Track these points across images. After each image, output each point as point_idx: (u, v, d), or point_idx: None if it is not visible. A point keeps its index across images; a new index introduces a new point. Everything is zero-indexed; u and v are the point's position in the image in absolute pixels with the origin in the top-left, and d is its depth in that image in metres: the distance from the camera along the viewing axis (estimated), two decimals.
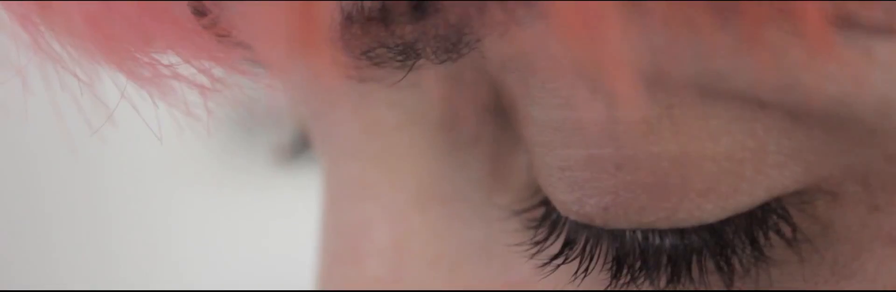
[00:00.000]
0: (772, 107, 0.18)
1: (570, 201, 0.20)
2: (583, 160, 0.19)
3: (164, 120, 0.19)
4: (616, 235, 0.20)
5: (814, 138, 0.18)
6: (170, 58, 0.19)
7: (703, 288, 0.20)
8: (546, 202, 0.22)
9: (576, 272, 0.21)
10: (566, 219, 0.21)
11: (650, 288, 0.20)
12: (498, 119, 0.22)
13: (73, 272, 1.11)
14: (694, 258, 0.19)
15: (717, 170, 0.19)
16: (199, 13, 0.19)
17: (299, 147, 0.30)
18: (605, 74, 0.16)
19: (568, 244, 0.21)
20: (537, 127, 0.20)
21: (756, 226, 0.19)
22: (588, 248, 0.21)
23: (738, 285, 0.20)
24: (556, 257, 0.21)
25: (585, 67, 0.16)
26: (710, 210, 0.19)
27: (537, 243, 0.21)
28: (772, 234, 0.19)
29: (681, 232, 0.19)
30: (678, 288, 0.20)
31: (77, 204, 1.12)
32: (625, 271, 0.20)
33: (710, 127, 0.18)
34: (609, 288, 0.20)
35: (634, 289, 0.20)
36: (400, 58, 0.20)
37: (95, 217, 1.13)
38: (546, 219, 0.22)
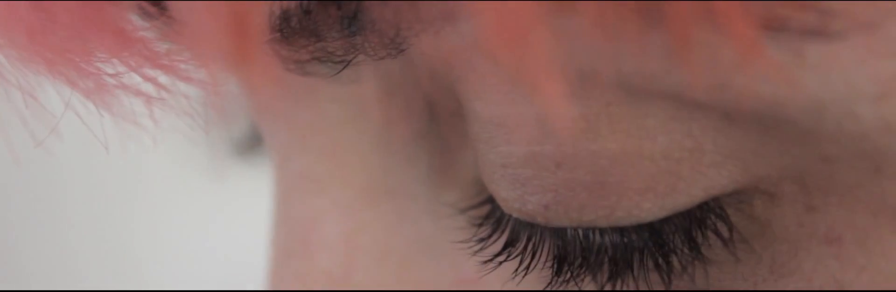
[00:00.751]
0: (707, 108, 0.18)
1: (512, 199, 0.20)
2: (524, 157, 0.19)
3: (110, 129, 0.19)
4: (558, 233, 0.20)
5: (750, 138, 0.18)
6: (115, 67, 0.19)
7: (643, 286, 0.20)
8: (491, 199, 0.22)
9: (516, 269, 0.21)
10: (509, 216, 0.21)
11: (592, 286, 0.20)
12: (444, 115, 0.22)
13: (46, 272, 1.10)
14: (634, 256, 0.20)
15: (654, 168, 0.19)
16: (148, 16, 0.19)
17: (254, 141, 0.30)
18: (531, 74, 0.16)
19: (511, 241, 0.21)
20: (480, 123, 0.20)
21: (694, 226, 0.19)
22: (530, 246, 0.21)
23: (676, 283, 0.20)
24: (498, 254, 0.21)
25: (513, 67, 0.16)
26: (649, 209, 0.19)
27: (481, 240, 0.22)
28: (710, 234, 0.20)
29: (621, 231, 0.20)
30: (618, 286, 0.20)
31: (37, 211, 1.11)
32: (566, 268, 0.20)
33: (647, 125, 0.18)
34: (550, 286, 0.21)
35: (574, 288, 0.20)
36: (339, 53, 0.20)
37: (54, 222, 1.11)
38: (490, 217, 0.22)
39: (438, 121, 0.22)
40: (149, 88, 0.19)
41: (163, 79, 0.19)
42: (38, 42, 0.18)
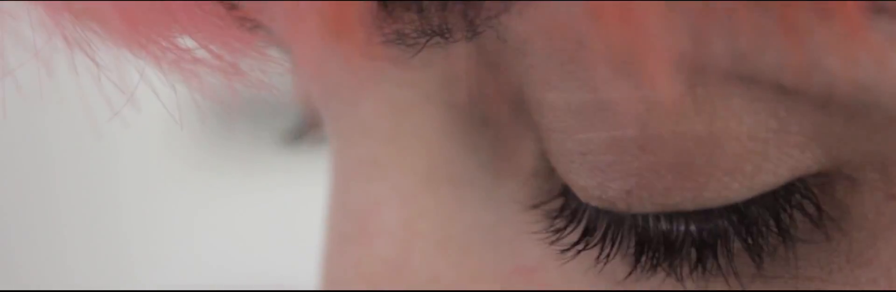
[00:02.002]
0: (794, 91, 0.18)
1: (592, 186, 0.20)
2: (605, 143, 0.19)
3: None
4: (638, 221, 0.20)
5: (835, 122, 0.19)
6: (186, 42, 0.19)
7: (726, 273, 0.20)
8: (563, 193, 0.22)
9: (598, 257, 0.21)
10: (586, 206, 0.21)
11: (672, 277, 0.20)
12: (507, 104, 0.22)
13: (66, 270, 1.10)
14: (719, 241, 0.20)
15: (741, 149, 0.19)
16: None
17: (302, 132, 0.30)
18: (640, 57, 0.16)
19: (588, 231, 0.21)
20: (555, 112, 0.20)
21: (781, 205, 0.19)
22: (610, 234, 0.21)
23: (762, 269, 0.20)
24: (576, 243, 0.21)
25: (618, 50, 0.16)
26: (737, 189, 0.19)
27: (556, 231, 0.21)
28: (796, 213, 0.20)
29: (705, 215, 0.20)
30: (702, 274, 0.20)
31: (70, 199, 1.11)
32: (646, 257, 0.20)
33: (733, 106, 0.18)
34: (632, 274, 0.20)
35: (655, 279, 0.20)
36: (414, 35, 0.20)
37: (87, 213, 1.12)
38: (565, 209, 0.22)
39: (499, 111, 0.22)
40: (220, 64, 0.19)
41: (230, 56, 0.19)
42: (120, 13, 0.18)
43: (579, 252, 0.21)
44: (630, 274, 0.21)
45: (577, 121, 0.20)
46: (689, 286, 0.20)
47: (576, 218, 0.21)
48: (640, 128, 0.19)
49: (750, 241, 0.20)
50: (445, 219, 0.23)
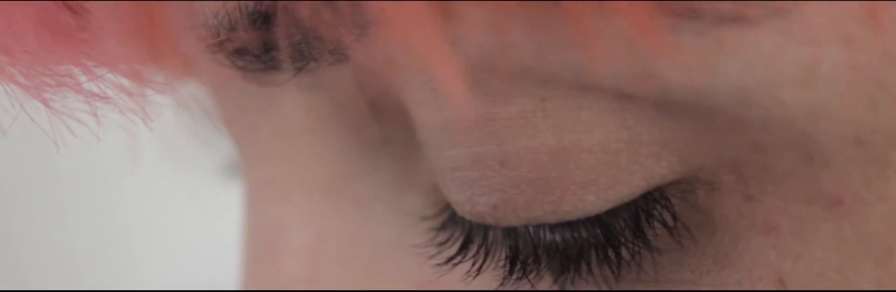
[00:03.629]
0: (637, 99, 0.18)
1: (463, 201, 0.20)
2: (469, 159, 0.20)
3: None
4: (510, 233, 0.20)
5: (683, 128, 0.19)
6: (65, 68, 0.19)
7: (595, 279, 0.20)
8: (450, 205, 0.22)
9: (469, 270, 0.21)
10: (464, 219, 0.21)
11: (546, 285, 0.20)
12: (401, 121, 0.22)
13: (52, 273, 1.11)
14: (584, 250, 0.20)
15: (594, 161, 0.19)
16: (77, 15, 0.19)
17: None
18: (436, 74, 0.17)
19: (465, 244, 0.21)
20: (425, 129, 0.20)
21: (642, 216, 0.20)
22: (484, 247, 0.21)
23: (625, 276, 0.20)
24: (453, 257, 0.21)
25: (420, 69, 0.17)
26: (593, 201, 0.19)
27: (439, 244, 0.22)
28: (656, 224, 0.20)
29: (570, 226, 0.20)
30: (569, 282, 0.20)
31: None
32: (518, 266, 0.20)
33: (582, 118, 0.19)
34: (503, 285, 0.21)
35: (528, 287, 0.21)
36: (289, 60, 0.20)
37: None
38: (449, 222, 0.22)
39: (395, 129, 0.22)
40: (93, 87, 0.20)
41: (109, 78, 0.20)
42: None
43: (455, 265, 0.21)
44: (501, 284, 0.21)
45: (445, 137, 0.20)
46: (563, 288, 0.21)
47: (456, 231, 0.22)
48: (497, 144, 0.19)
49: (611, 251, 0.20)
50: (350, 237, 0.23)
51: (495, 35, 0.17)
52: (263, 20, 0.19)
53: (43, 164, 1.10)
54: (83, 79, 0.19)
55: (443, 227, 0.22)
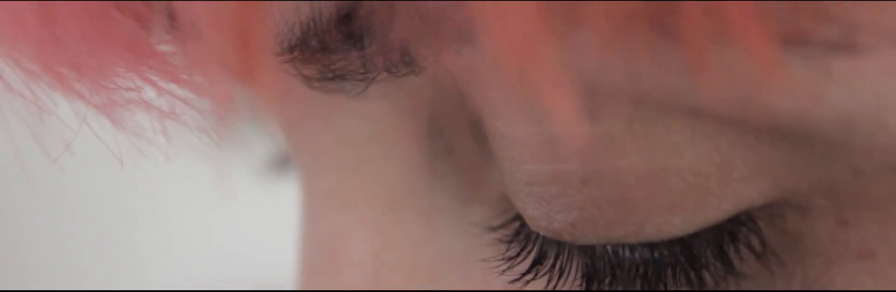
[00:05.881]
0: (733, 123, 0.18)
1: (539, 216, 0.20)
2: (549, 175, 0.19)
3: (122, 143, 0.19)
4: (586, 250, 0.20)
5: (779, 152, 0.18)
6: (128, 81, 0.19)
7: None
8: (520, 217, 0.21)
9: (545, 287, 0.21)
10: (537, 234, 0.21)
11: None
12: (471, 131, 0.22)
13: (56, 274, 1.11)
14: (665, 272, 0.19)
15: (682, 184, 0.18)
16: (158, 29, 0.19)
17: (282, 161, 0.30)
18: (543, 91, 0.16)
19: (538, 260, 0.21)
20: (504, 141, 0.20)
21: (726, 240, 0.19)
22: (558, 264, 0.20)
23: None
24: (526, 273, 0.21)
25: (524, 84, 0.16)
26: (678, 224, 0.19)
27: (509, 259, 0.21)
28: (741, 247, 0.19)
29: (651, 247, 0.19)
30: None
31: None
32: (595, 286, 0.20)
33: (673, 141, 0.18)
34: None
35: None
36: (361, 71, 0.20)
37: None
38: (519, 235, 0.21)
39: (463, 138, 0.22)
40: (162, 103, 0.19)
41: (178, 93, 0.19)
42: (49, 56, 0.18)
43: (528, 282, 0.21)
44: None
45: (524, 151, 0.19)
46: None
47: (528, 245, 0.21)
48: (581, 162, 0.19)
49: (693, 274, 0.19)
50: (413, 248, 0.23)
51: (596, 58, 0.17)
52: (356, 40, 0.18)
53: (46, 163, 1.10)
54: (151, 94, 0.19)
55: (512, 241, 0.21)
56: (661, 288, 0.19)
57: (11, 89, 0.19)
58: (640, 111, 0.18)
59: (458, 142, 0.22)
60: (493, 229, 0.22)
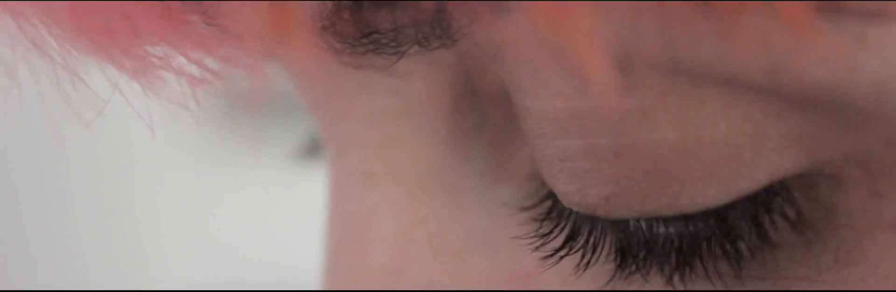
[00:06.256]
0: (766, 92, 0.18)
1: (572, 192, 0.20)
2: (581, 150, 0.19)
3: (154, 112, 0.19)
4: (620, 225, 0.20)
5: (811, 122, 0.18)
6: (162, 49, 0.19)
7: (710, 275, 0.20)
8: (552, 195, 0.21)
9: (578, 263, 0.21)
10: (570, 211, 0.21)
11: (659, 280, 0.20)
12: (500, 108, 0.22)
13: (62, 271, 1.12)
14: (700, 245, 0.19)
15: (716, 155, 0.18)
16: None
17: (315, 145, 0.30)
18: (577, 62, 0.16)
19: (572, 236, 0.21)
20: (534, 118, 0.20)
21: (761, 210, 0.19)
22: (592, 239, 0.20)
23: (745, 271, 0.20)
24: (559, 249, 0.21)
25: (559, 55, 0.16)
26: (713, 195, 0.19)
27: (542, 235, 0.21)
28: (776, 217, 0.19)
29: (685, 219, 0.19)
30: (685, 277, 0.20)
31: (62, 201, 1.12)
32: (630, 261, 0.20)
33: (705, 112, 0.18)
34: (614, 280, 0.20)
35: (639, 282, 0.20)
36: (393, 44, 0.20)
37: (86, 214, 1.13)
38: (551, 212, 0.21)
39: (493, 116, 0.22)
40: (195, 71, 0.19)
41: (211, 62, 0.19)
42: (84, 22, 0.18)
43: (562, 257, 0.21)
44: (611, 279, 0.20)
45: (555, 127, 0.19)
46: (677, 286, 0.20)
47: (561, 222, 0.21)
48: (614, 136, 0.19)
49: (728, 246, 0.19)
50: (441, 226, 0.23)
51: (630, 26, 0.17)
52: (389, 10, 0.18)
53: (48, 163, 1.11)
54: (181, 61, 0.19)
55: (545, 218, 0.21)
56: (697, 262, 0.19)
57: (45, 55, 0.19)
58: (672, 82, 0.18)
59: (487, 120, 0.22)
60: (526, 209, 0.22)
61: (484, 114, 0.22)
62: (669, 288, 0.20)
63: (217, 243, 1.13)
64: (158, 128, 0.20)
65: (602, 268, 0.21)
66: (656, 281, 0.20)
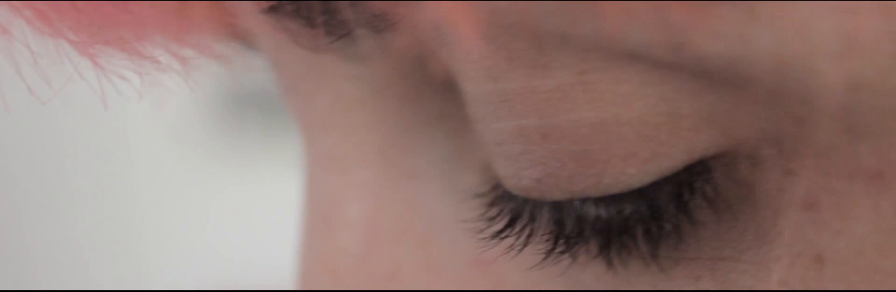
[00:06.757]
0: (676, 70, 0.18)
1: (509, 175, 0.20)
2: (513, 132, 0.20)
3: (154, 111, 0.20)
4: (556, 207, 0.20)
5: (723, 101, 0.18)
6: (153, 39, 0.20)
7: (643, 255, 0.20)
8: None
9: (512, 245, 0.21)
10: (512, 195, 0.21)
11: (592, 259, 0.20)
12: (455, 97, 0.22)
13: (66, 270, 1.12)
14: (628, 225, 0.20)
15: (634, 134, 0.19)
16: None
17: None
18: (457, 34, 0.17)
19: (513, 219, 0.21)
20: (472, 102, 0.20)
21: (684, 190, 0.19)
22: (530, 222, 0.21)
23: (675, 252, 0.20)
24: (500, 232, 0.21)
25: (455, 32, 0.17)
26: (634, 174, 0.19)
27: (488, 219, 0.22)
28: (698, 197, 0.19)
29: (614, 200, 0.20)
30: (619, 257, 0.20)
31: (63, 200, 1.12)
32: (562, 241, 0.20)
33: (621, 92, 0.19)
34: (547, 260, 0.21)
35: (569, 261, 0.21)
36: (340, 25, 0.20)
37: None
38: (499, 198, 0.22)
39: (449, 105, 0.22)
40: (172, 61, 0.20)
41: (187, 52, 0.20)
42: (81, 13, 0.19)
43: (502, 239, 0.21)
44: (544, 259, 0.21)
45: (489, 111, 0.20)
46: (618, 269, 0.20)
47: (505, 206, 0.21)
48: (539, 117, 0.19)
49: (654, 226, 0.20)
50: (405, 212, 0.23)
51: (525, 2, 0.17)
52: None
53: (50, 163, 1.11)
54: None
55: (493, 203, 0.22)
56: (629, 242, 0.20)
57: (12, 37, 0.19)
58: (587, 61, 0.18)
59: (445, 109, 0.23)
60: (480, 196, 0.23)
61: (443, 103, 0.22)
62: (606, 269, 0.21)
63: (218, 243, 1.13)
64: (159, 127, 0.20)
65: (536, 248, 0.21)
66: (590, 261, 0.21)
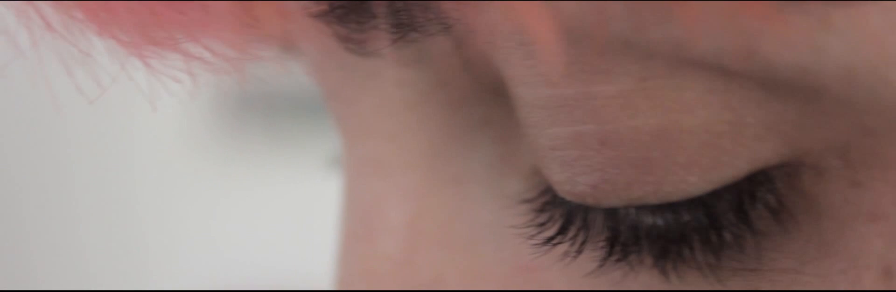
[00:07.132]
0: (743, 79, 0.18)
1: (563, 181, 0.20)
2: (569, 138, 0.19)
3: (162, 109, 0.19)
4: (610, 214, 0.20)
5: (790, 110, 0.18)
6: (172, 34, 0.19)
7: (699, 266, 0.20)
8: (551, 187, 0.22)
9: (566, 251, 0.21)
10: (565, 200, 0.21)
11: (648, 268, 0.20)
12: (503, 102, 0.22)
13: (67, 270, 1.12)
14: (686, 234, 0.19)
15: (696, 143, 0.19)
16: None
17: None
18: (533, 37, 0.17)
19: (565, 225, 0.21)
20: (526, 107, 0.20)
21: (746, 199, 0.19)
22: (584, 228, 0.21)
23: (733, 262, 0.20)
24: (552, 238, 0.21)
25: (521, 42, 0.16)
26: (695, 182, 0.19)
27: (539, 225, 0.21)
28: (760, 207, 0.19)
29: (672, 208, 0.19)
30: (675, 267, 0.20)
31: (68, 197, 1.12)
32: (617, 248, 0.20)
33: (685, 99, 0.18)
34: (602, 267, 0.20)
35: (626, 269, 0.20)
36: (392, 29, 0.20)
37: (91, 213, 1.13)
38: (550, 204, 0.22)
39: (497, 109, 0.22)
40: (205, 56, 0.20)
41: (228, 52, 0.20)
42: (102, 8, 0.18)
43: (554, 245, 0.21)
44: (598, 267, 0.20)
45: (544, 116, 0.20)
46: (673, 280, 0.20)
47: (556, 212, 0.21)
48: (597, 123, 0.19)
49: (714, 235, 0.19)
50: (448, 218, 0.23)
51: (595, 6, 0.17)
52: None
53: (55, 164, 1.11)
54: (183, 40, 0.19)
55: (543, 209, 0.22)
56: (685, 252, 0.20)
57: (55, 33, 0.19)
58: (650, 67, 0.18)
59: (492, 114, 0.22)
60: (528, 201, 0.22)
61: (489, 108, 0.22)
62: (662, 279, 0.20)
63: (223, 245, 1.13)
64: (165, 129, 0.20)
65: (590, 256, 0.21)
66: (645, 271, 0.20)
